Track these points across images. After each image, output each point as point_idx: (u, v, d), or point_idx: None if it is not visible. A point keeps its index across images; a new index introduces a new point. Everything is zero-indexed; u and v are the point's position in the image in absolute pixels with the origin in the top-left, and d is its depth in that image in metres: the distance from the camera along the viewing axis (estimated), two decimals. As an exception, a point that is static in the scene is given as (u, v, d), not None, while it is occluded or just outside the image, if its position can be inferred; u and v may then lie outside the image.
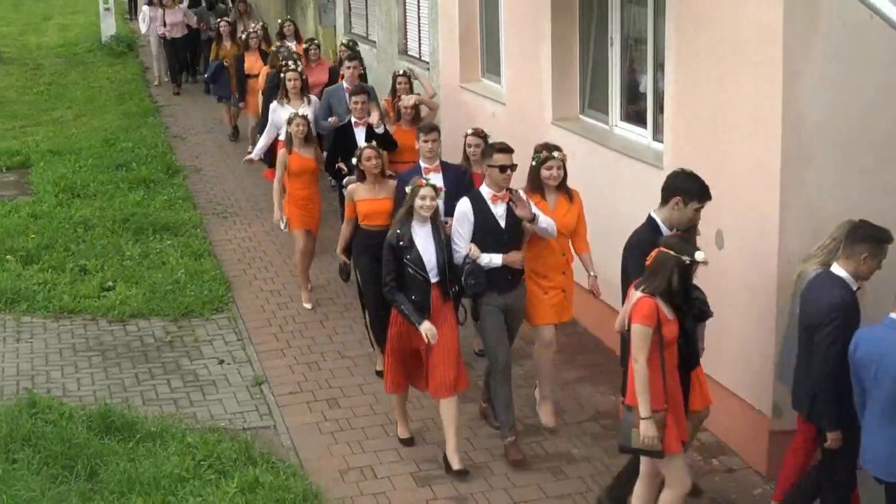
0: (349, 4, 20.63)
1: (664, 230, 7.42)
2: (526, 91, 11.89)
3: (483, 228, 8.44)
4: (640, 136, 10.11)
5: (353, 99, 11.74)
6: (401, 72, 12.79)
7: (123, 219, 14.21)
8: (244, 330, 11.21)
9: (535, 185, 8.75)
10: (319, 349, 10.71)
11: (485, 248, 8.40)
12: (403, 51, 17.31)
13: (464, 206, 8.49)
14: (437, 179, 9.22)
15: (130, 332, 11.19)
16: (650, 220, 7.55)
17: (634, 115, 10.34)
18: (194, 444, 8.60)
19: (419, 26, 16.67)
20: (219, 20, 19.91)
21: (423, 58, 16.52)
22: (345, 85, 13.10)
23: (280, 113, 12.84)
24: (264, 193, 15.84)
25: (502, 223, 8.47)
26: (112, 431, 8.77)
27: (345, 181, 10.99)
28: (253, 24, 20.35)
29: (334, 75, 14.64)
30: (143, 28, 23.98)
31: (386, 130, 11.55)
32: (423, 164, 9.80)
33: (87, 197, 15.39)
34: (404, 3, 17.23)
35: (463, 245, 8.41)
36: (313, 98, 13.40)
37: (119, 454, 8.41)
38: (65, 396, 9.71)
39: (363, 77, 14.20)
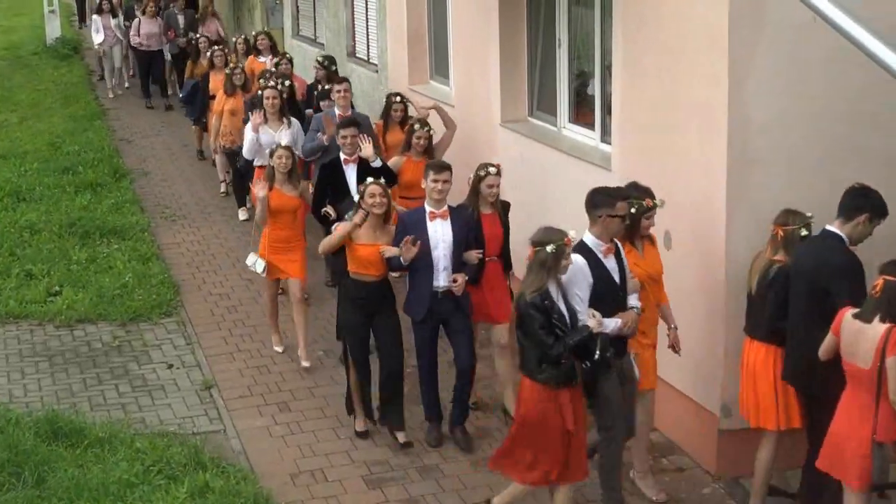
0: (297, 6, 20.57)
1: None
2: (474, 93, 11.92)
3: (599, 287, 7.32)
4: (588, 137, 10.16)
5: (342, 133, 10.43)
6: (396, 97, 11.99)
7: (70, 223, 14.08)
8: (193, 334, 11.15)
9: (631, 233, 7.80)
10: (269, 353, 10.67)
11: (603, 310, 7.22)
12: (352, 53, 17.29)
13: (580, 262, 7.23)
14: (443, 227, 8.59)
15: (78, 337, 11.10)
16: (834, 236, 7.20)
17: (582, 116, 10.39)
18: (143, 449, 8.54)
19: (367, 28, 16.65)
20: (198, 36, 18.55)
21: (371, 60, 16.51)
22: (337, 111, 12.00)
23: (261, 136, 12.14)
24: (212, 196, 15.82)
25: (617, 278, 7.47)
26: (60, 437, 8.70)
27: (333, 227, 9.34)
28: (220, 38, 19.42)
29: (310, 96, 13.75)
30: (96, 39, 22.34)
31: (384, 163, 10.32)
32: (428, 208, 8.66)
33: (32, 201, 15.23)
34: (352, 4, 17.20)
35: (584, 310, 7.18)
36: (294, 121, 12.46)
37: (67, 460, 8.34)
38: (11, 402, 9.61)
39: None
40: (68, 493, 7.87)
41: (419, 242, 8.42)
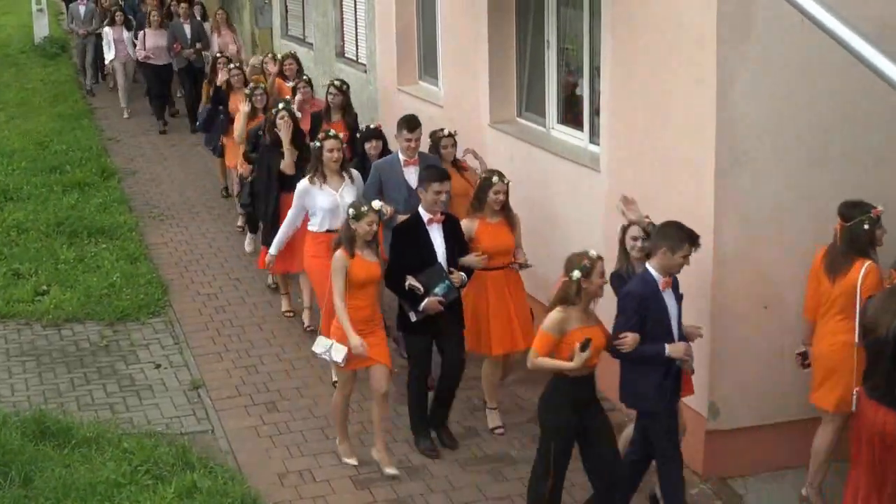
0: (286, 6, 20.56)
1: None
2: (463, 94, 11.92)
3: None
4: (576, 138, 10.18)
5: (436, 188, 8.48)
6: (443, 131, 10.19)
7: (58, 222, 14.05)
8: (181, 334, 11.14)
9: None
10: (257, 353, 10.67)
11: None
12: (340, 53, 17.29)
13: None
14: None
15: (65, 337, 11.08)
16: None
17: (571, 117, 10.40)
18: (131, 449, 8.53)
19: (356, 28, 16.65)
20: (217, 55, 16.24)
21: (360, 60, 16.51)
22: (401, 157, 9.92)
23: (317, 198, 9.84)
24: (200, 196, 15.80)
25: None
26: (47, 437, 8.69)
27: (422, 307, 8.33)
28: (234, 53, 17.73)
29: (317, 123, 12.14)
30: (108, 54, 20.71)
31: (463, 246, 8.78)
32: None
33: (20, 200, 15.19)
34: (341, 4, 17.20)
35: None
36: (355, 174, 10.06)
37: (54, 460, 8.32)
38: (-2, 402, 9.61)
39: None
40: (55, 493, 7.85)
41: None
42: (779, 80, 7.74)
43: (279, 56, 15.01)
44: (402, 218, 9.11)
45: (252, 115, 12.81)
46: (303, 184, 9.88)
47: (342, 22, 17.28)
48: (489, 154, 11.10)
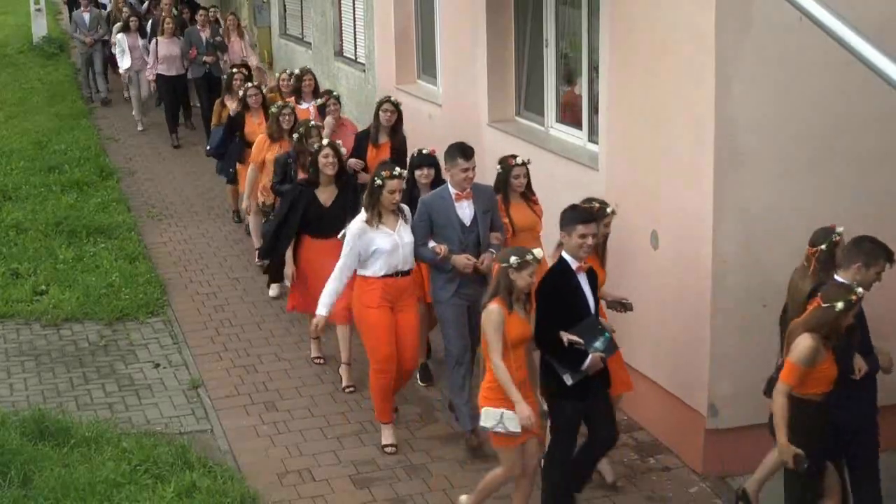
0: (284, 5, 20.57)
1: None
2: (462, 93, 11.92)
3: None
4: (575, 137, 10.18)
5: (580, 230, 7.31)
6: (516, 158, 9.05)
7: (56, 222, 14.05)
8: (180, 333, 11.13)
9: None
10: (256, 352, 10.66)
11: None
12: (339, 52, 17.30)
13: None
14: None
15: (64, 336, 11.07)
16: None
17: (570, 116, 10.40)
18: (130, 448, 8.53)
19: (354, 27, 16.66)
20: (232, 70, 14.70)
21: (358, 59, 16.52)
22: (451, 190, 8.64)
23: (375, 239, 8.50)
24: (199, 195, 15.79)
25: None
26: (46, 437, 8.67)
27: (585, 365, 7.22)
28: (255, 69, 16.41)
29: (361, 147, 11.19)
30: (122, 63, 19.22)
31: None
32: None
33: (18, 200, 15.18)
34: (339, 4, 17.21)
35: None
36: (406, 209, 8.73)
37: (53, 460, 8.31)
38: (-3, 402, 9.61)
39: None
40: (55, 493, 7.84)
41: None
42: (778, 79, 7.73)
43: (295, 72, 13.78)
44: (459, 259, 8.51)
45: (276, 136, 11.72)
46: (358, 225, 8.52)
47: (341, 21, 17.29)
48: (488, 153, 11.11)
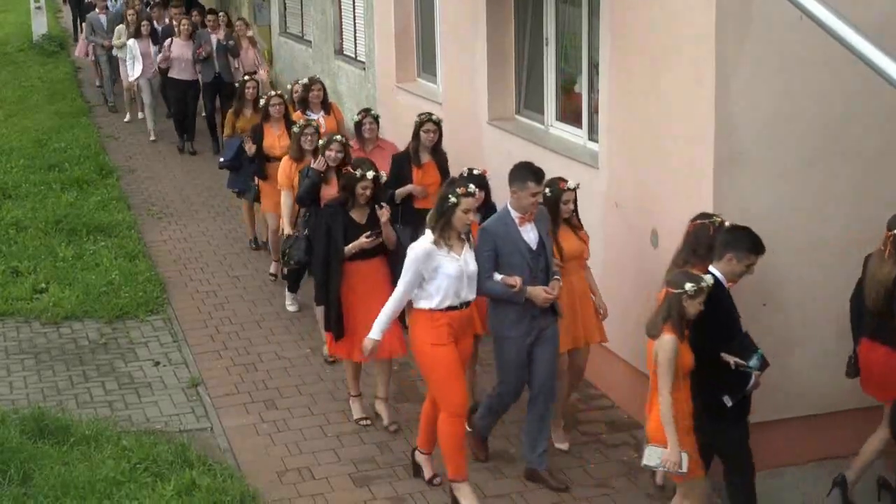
0: (284, 3, 20.57)
1: None
2: (462, 91, 11.92)
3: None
4: (575, 136, 10.18)
5: (749, 259, 7.20)
6: (570, 184, 8.41)
7: (56, 220, 14.05)
8: (180, 331, 11.13)
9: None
10: (256, 350, 10.66)
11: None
12: (339, 51, 17.30)
13: None
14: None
15: (64, 335, 11.07)
16: None
17: (570, 115, 10.40)
18: (130, 447, 8.53)
19: (355, 26, 16.66)
20: (245, 78, 13.81)
21: (358, 57, 16.52)
22: (514, 214, 7.91)
23: (443, 265, 7.64)
24: (199, 194, 15.79)
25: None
26: (46, 435, 8.68)
27: (750, 386, 7.11)
28: (262, 77, 15.86)
29: (401, 169, 10.35)
30: (133, 72, 18.41)
31: None
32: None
33: (18, 198, 15.19)
34: (340, 2, 17.22)
35: None
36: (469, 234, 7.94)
37: (53, 458, 8.31)
38: (-3, 400, 9.61)
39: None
40: (54, 491, 7.85)
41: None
42: (778, 78, 7.73)
43: (303, 81, 12.76)
44: (537, 292, 7.80)
45: (299, 157, 10.70)
46: (425, 247, 7.64)
47: (341, 19, 17.29)
48: (487, 151, 11.12)
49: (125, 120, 19.82)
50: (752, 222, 7.68)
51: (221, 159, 13.39)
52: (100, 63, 21.32)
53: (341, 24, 17.31)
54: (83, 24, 24.45)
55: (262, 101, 12.39)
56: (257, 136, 12.11)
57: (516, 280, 7.73)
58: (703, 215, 7.50)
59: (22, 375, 10.18)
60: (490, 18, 11.17)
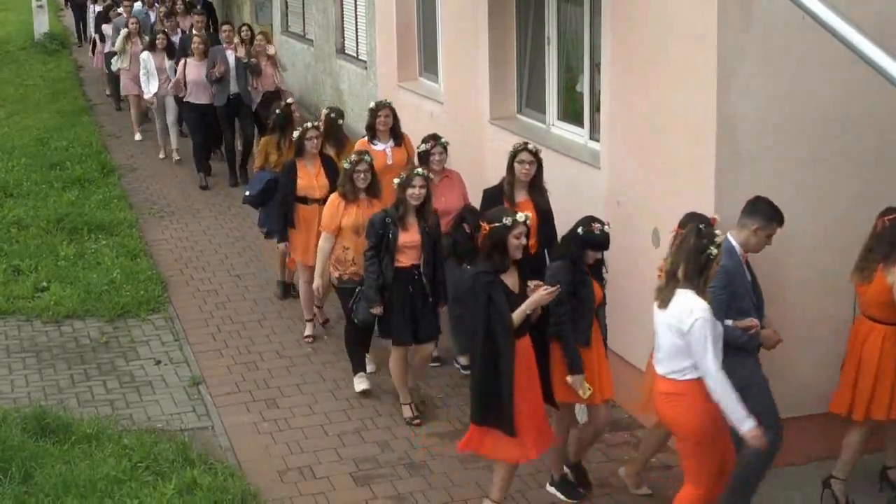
0: (286, 2, 20.58)
1: None
2: (463, 90, 11.92)
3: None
4: (577, 135, 10.18)
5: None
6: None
7: (58, 218, 14.07)
8: (181, 330, 11.14)
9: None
10: (257, 349, 10.66)
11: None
12: (341, 50, 17.31)
13: None
14: None
15: (65, 333, 11.08)
16: None
17: (571, 114, 10.40)
18: (131, 445, 8.53)
19: (356, 25, 16.66)
20: (289, 101, 12.19)
21: (360, 57, 16.52)
22: (738, 249, 7.28)
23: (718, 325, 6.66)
24: (200, 193, 15.79)
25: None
26: (47, 433, 8.69)
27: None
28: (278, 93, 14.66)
29: (495, 204, 8.64)
30: (148, 89, 16.79)
31: None
32: None
33: (20, 196, 15.21)
34: (341, 1, 17.22)
35: None
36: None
37: (54, 456, 8.32)
38: (-2, 398, 9.61)
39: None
40: (55, 490, 7.85)
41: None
42: (779, 78, 7.73)
43: (378, 104, 11.09)
44: (769, 335, 7.43)
45: (351, 196, 9.48)
46: (710, 316, 6.48)
47: (342, 18, 17.30)
48: (489, 151, 11.12)
49: (160, 157, 17.61)
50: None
51: (247, 192, 11.75)
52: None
53: (343, 23, 17.32)
54: (85, 27, 24.34)
55: (295, 133, 10.75)
56: (289, 176, 10.52)
57: (753, 323, 7.10)
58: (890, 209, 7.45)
59: (23, 374, 10.18)
60: (492, 18, 11.17)
